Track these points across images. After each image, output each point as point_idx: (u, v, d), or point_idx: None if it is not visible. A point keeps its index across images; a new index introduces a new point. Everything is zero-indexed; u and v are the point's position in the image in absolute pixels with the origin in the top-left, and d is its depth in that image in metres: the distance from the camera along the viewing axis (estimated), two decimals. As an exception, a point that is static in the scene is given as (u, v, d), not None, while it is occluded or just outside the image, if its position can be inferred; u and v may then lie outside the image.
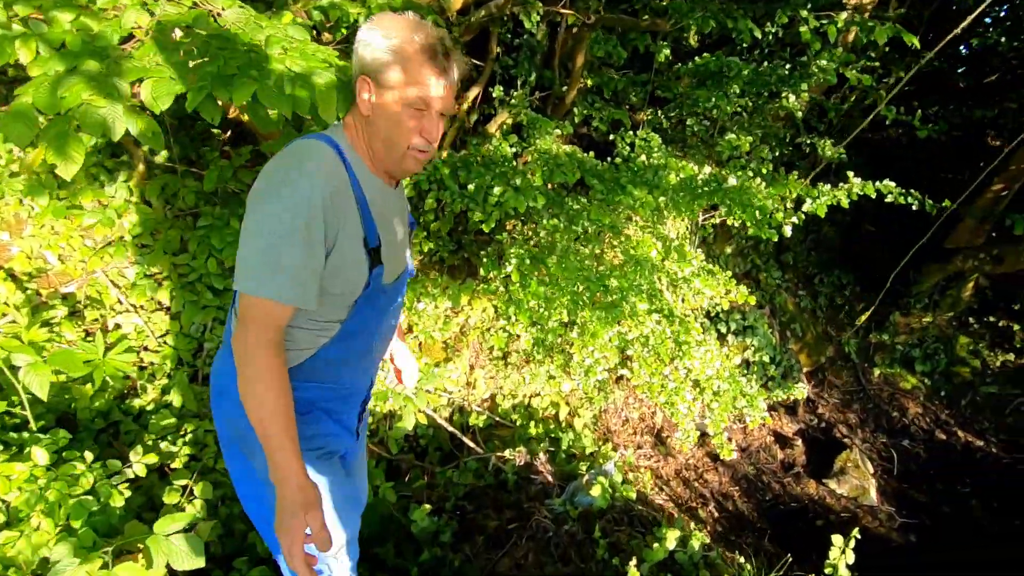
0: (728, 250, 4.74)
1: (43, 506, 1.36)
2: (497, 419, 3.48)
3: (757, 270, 4.84)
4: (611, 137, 3.09)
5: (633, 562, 1.87)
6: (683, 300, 3.08)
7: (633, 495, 2.64)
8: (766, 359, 4.39)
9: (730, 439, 4.22)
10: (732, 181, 2.36)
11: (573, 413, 3.90)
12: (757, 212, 2.25)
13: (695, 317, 4.21)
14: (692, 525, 3.17)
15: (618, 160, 2.72)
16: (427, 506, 2.20)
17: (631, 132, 2.98)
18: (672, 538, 2.22)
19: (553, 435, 3.25)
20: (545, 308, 2.49)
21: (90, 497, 1.39)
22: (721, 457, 3.11)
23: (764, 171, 3.17)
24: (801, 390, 3.30)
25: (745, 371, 4.42)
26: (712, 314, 4.25)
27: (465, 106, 3.37)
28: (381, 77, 1.12)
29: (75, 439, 1.82)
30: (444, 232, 3.32)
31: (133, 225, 2.19)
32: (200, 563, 1.40)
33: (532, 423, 3.27)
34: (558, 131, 2.88)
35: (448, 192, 2.56)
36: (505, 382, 3.62)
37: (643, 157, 2.69)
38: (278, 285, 1.05)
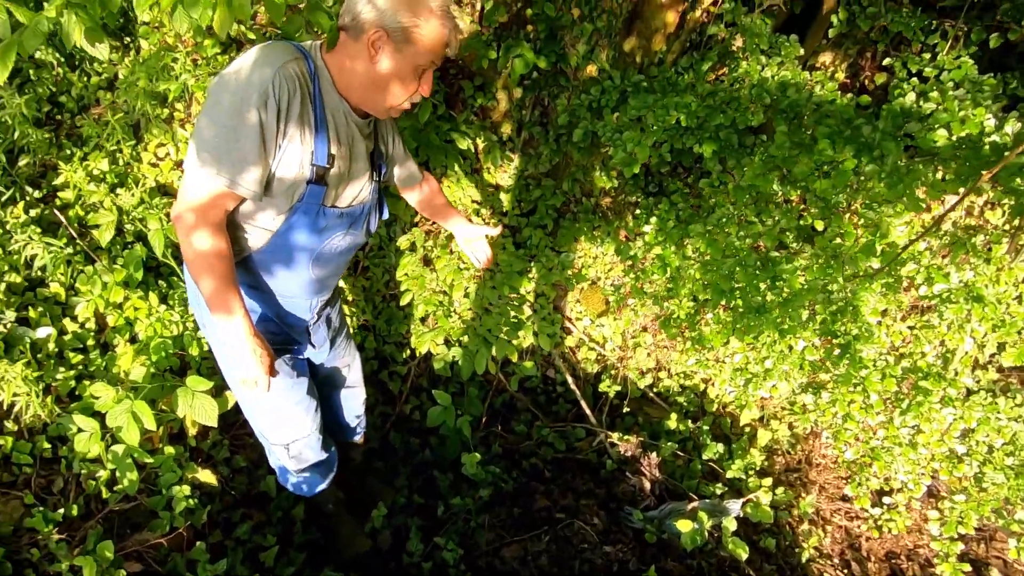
0: None
1: (147, 334, 1.79)
2: (652, 395, 3.03)
3: None
4: (886, 61, 2.00)
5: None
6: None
7: (743, 553, 2.01)
8: None
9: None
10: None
11: (766, 421, 3.10)
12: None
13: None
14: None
15: (862, 98, 1.77)
16: (477, 455, 2.11)
17: (920, 56, 1.88)
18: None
19: (701, 438, 2.67)
20: (673, 286, 1.94)
21: (169, 340, 1.78)
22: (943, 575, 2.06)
23: None
24: None
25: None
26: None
27: (698, 13, 2.67)
28: (400, 37, 1.12)
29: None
30: (634, 169, 2.84)
31: None
32: (212, 423, 1.67)
33: (676, 416, 2.73)
34: (791, 52, 2.04)
35: (603, 124, 2.13)
36: (680, 356, 3.08)
37: (909, 97, 1.68)
38: (224, 169, 1.10)
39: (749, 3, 2.31)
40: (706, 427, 2.72)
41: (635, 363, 3.04)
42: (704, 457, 2.55)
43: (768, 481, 2.44)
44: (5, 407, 1.60)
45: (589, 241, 2.93)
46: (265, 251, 1.28)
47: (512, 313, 2.47)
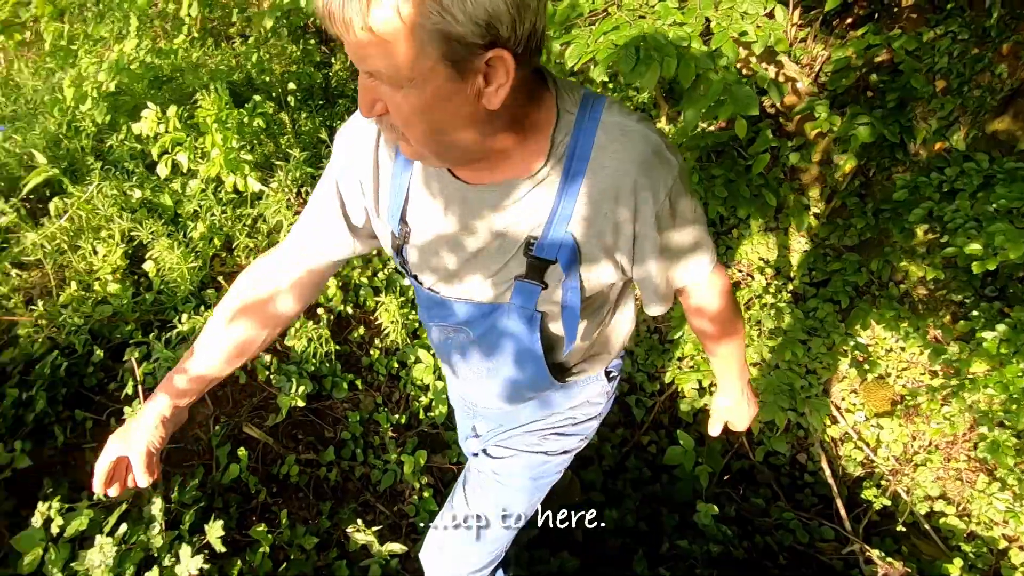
0: None
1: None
2: (927, 526, 2.53)
3: None
4: None
5: None
6: None
7: None
8: None
9: None
10: None
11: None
12: None
13: None
14: None
15: None
16: (714, 508, 2.07)
17: None
18: None
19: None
20: (1014, 411, 1.64)
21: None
22: None
23: None
24: None
25: None
26: None
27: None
28: None
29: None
30: (989, 266, 2.44)
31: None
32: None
33: (960, 565, 2.24)
34: None
35: (952, 208, 1.93)
36: (981, 496, 2.51)
37: None
38: (294, 228, 1.03)
39: None
40: (1004, 590, 2.19)
41: (912, 483, 2.59)
42: (990, 625, 2.06)
43: None
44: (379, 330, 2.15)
45: (887, 331, 2.62)
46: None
47: (788, 379, 2.36)
